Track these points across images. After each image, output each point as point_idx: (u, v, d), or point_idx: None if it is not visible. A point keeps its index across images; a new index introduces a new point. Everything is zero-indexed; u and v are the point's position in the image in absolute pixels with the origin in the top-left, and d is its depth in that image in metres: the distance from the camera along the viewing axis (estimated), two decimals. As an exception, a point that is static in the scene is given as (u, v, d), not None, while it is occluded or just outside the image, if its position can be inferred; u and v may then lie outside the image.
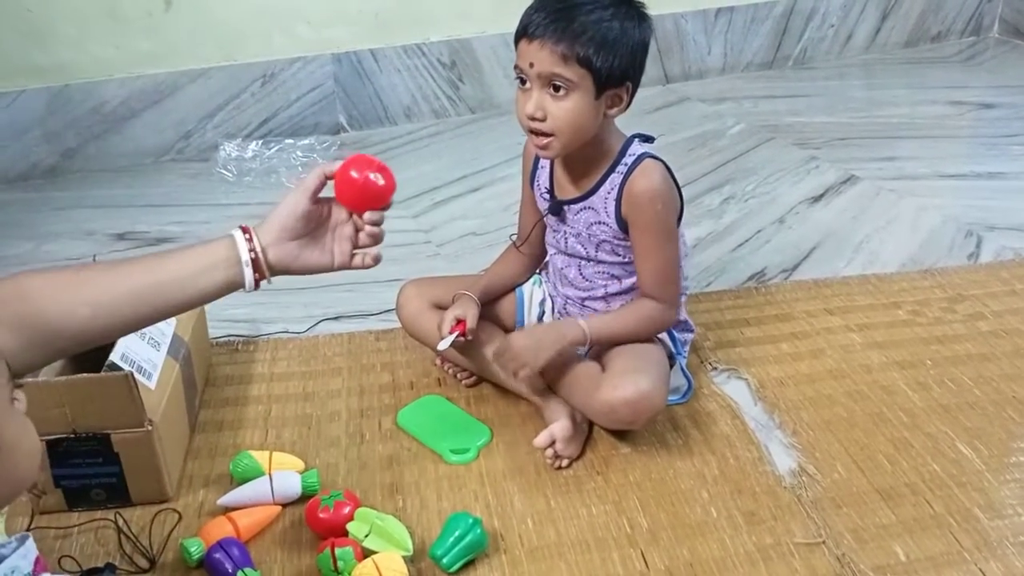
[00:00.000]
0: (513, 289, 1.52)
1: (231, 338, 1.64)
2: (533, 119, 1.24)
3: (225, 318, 1.68)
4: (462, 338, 1.37)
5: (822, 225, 2.06)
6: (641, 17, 1.24)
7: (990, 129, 2.64)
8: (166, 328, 1.35)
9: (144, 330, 1.22)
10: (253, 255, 0.96)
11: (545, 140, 1.25)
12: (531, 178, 1.43)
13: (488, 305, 1.48)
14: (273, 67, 2.54)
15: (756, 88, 2.99)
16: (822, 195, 2.20)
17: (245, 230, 0.98)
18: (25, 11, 2.28)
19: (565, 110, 1.22)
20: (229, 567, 1.09)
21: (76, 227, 2.15)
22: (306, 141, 2.54)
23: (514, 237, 1.52)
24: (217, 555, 1.10)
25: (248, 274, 0.96)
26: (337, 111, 2.66)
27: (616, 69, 1.21)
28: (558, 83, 1.21)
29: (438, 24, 2.68)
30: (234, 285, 0.96)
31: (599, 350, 1.39)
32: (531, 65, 1.21)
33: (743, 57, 3.11)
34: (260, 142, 2.52)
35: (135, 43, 2.40)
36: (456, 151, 2.55)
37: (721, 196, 2.22)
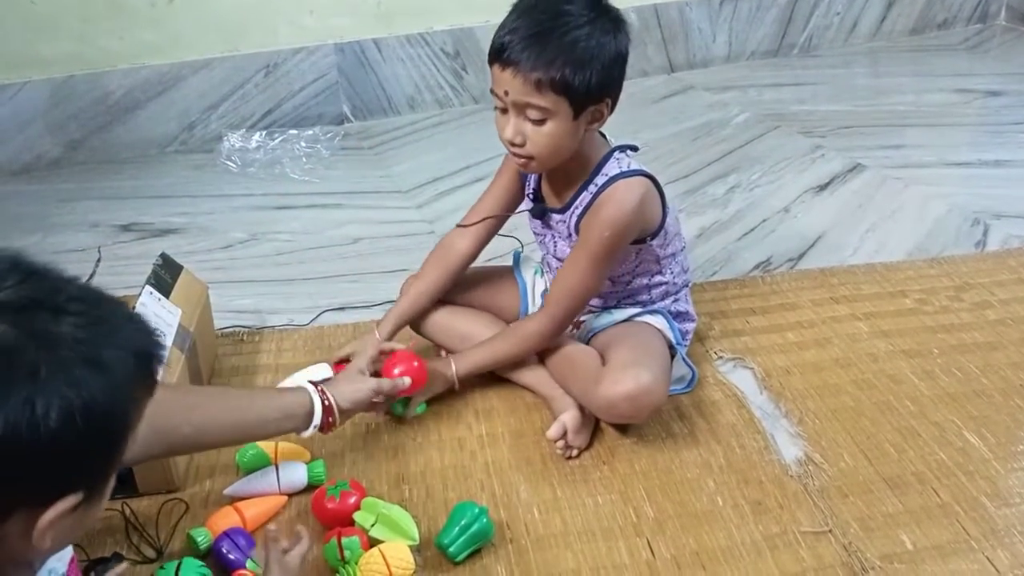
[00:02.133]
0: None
1: (237, 329, 1.64)
2: (513, 144, 1.25)
3: (231, 309, 1.69)
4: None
5: (828, 214, 2.05)
6: (617, 27, 1.22)
7: (997, 117, 2.63)
8: (171, 319, 1.34)
9: (150, 322, 1.23)
10: (324, 421, 1.18)
11: (525, 160, 1.27)
12: (523, 176, 1.43)
13: (489, 296, 1.49)
14: (276, 57, 2.54)
15: (761, 76, 2.97)
16: (828, 184, 2.20)
17: (323, 395, 1.18)
18: (29, 3, 2.28)
19: (544, 135, 1.22)
20: (236, 557, 1.10)
21: (81, 219, 2.15)
22: (310, 131, 2.54)
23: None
24: (224, 545, 1.11)
25: (311, 431, 1.18)
26: (341, 101, 2.66)
27: (593, 87, 1.20)
28: (533, 114, 1.21)
29: (441, 14, 2.67)
30: (297, 431, 1.18)
31: (598, 340, 1.39)
32: (506, 93, 1.21)
33: (748, 45, 3.10)
34: (264, 133, 2.52)
35: (139, 34, 2.40)
36: (460, 141, 2.54)
37: (726, 185, 2.21)
